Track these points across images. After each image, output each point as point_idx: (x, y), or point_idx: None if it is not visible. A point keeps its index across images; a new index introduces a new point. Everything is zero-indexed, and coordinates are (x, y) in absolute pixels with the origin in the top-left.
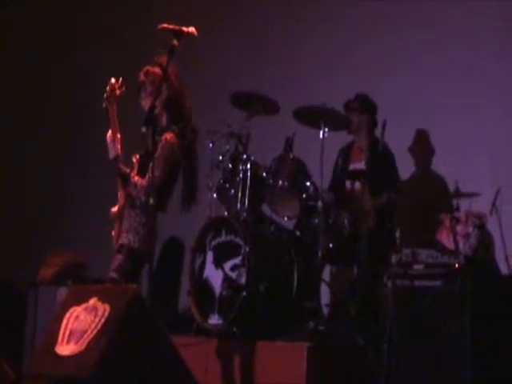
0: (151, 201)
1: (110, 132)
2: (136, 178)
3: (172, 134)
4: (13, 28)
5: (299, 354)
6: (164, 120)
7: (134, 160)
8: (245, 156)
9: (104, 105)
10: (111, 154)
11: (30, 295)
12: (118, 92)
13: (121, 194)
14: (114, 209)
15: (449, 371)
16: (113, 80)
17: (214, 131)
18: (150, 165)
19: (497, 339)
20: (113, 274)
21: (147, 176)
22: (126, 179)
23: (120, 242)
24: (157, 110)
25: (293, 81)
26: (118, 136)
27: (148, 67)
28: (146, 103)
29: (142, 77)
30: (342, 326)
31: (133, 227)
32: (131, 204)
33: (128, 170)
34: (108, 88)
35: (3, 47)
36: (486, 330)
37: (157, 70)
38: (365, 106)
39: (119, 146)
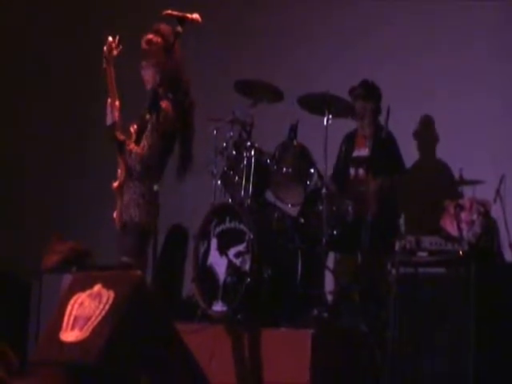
0: (155, 187)
1: (109, 100)
2: (131, 146)
3: (167, 102)
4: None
5: (303, 340)
6: (161, 90)
7: (132, 129)
8: (249, 143)
9: (104, 65)
10: (108, 121)
11: (33, 282)
12: (115, 52)
13: (121, 168)
14: (115, 183)
15: (452, 358)
16: (110, 38)
17: (217, 118)
18: (146, 132)
19: (500, 326)
20: (124, 259)
21: (142, 144)
22: (121, 147)
23: (122, 219)
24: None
25: (297, 68)
26: (117, 103)
27: (151, 36)
28: (145, 73)
29: (144, 45)
30: (345, 313)
31: (132, 199)
32: (129, 175)
33: (123, 138)
34: (105, 47)
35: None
36: (489, 317)
37: (159, 39)
38: (369, 92)
39: (117, 114)
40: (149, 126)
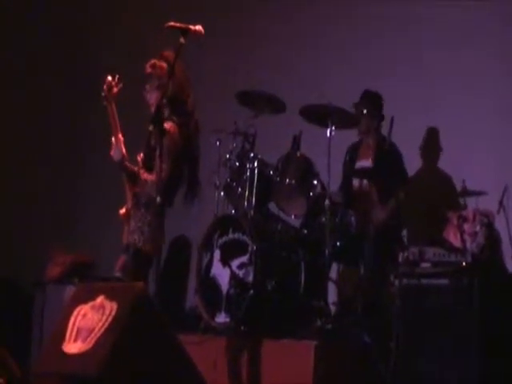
0: (158, 199)
1: (113, 137)
2: (145, 175)
3: (171, 124)
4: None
5: (306, 352)
6: (166, 112)
7: (139, 158)
8: (252, 154)
9: (104, 104)
10: (116, 157)
11: (37, 294)
12: (115, 89)
13: (128, 196)
14: (122, 211)
15: (455, 369)
16: (109, 78)
17: (220, 129)
18: (156, 158)
19: (504, 337)
20: (117, 273)
21: (154, 171)
22: (134, 178)
23: (126, 242)
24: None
25: (299, 79)
26: (120, 137)
27: (155, 60)
28: (150, 96)
29: (148, 69)
30: (349, 325)
31: (137, 226)
32: (136, 203)
33: (136, 169)
34: (105, 86)
35: (4, 45)
36: (493, 328)
37: (163, 64)
38: (374, 108)
39: (123, 148)
40: (157, 153)
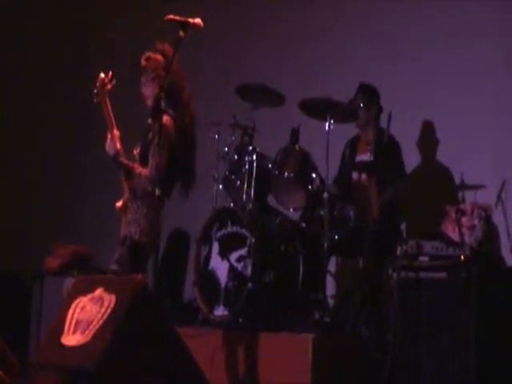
0: (157, 191)
1: (109, 133)
2: (140, 169)
3: (167, 117)
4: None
5: (304, 345)
6: (162, 104)
7: (135, 152)
8: (250, 147)
9: (95, 100)
10: (110, 151)
11: (35, 286)
12: (108, 86)
13: (125, 188)
14: (119, 203)
15: (453, 362)
16: (102, 75)
17: (219, 123)
18: (151, 152)
19: (501, 331)
20: (113, 266)
21: (149, 164)
22: (129, 173)
23: (122, 233)
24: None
25: (298, 72)
26: (115, 132)
27: (149, 53)
28: (146, 89)
29: (143, 62)
30: (347, 318)
31: (135, 219)
32: (133, 196)
33: (131, 164)
34: (98, 83)
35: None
36: (490, 321)
37: (158, 56)
38: (370, 100)
39: (118, 144)
40: (153, 145)
